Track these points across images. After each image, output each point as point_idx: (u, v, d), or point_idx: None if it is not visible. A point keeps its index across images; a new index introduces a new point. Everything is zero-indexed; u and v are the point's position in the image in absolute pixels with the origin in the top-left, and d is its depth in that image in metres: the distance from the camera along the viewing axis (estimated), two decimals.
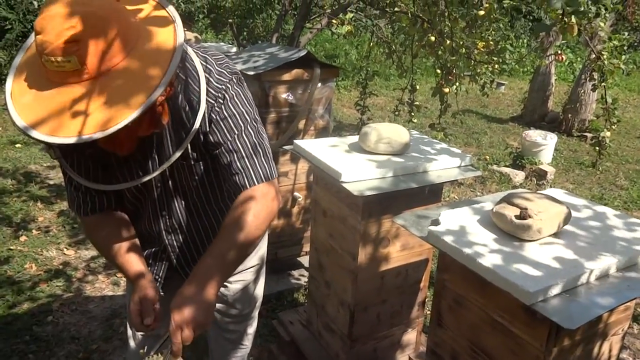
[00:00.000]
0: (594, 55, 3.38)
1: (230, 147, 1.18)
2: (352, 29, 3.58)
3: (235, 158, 1.18)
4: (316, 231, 2.13)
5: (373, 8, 4.09)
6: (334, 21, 3.42)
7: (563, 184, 5.14)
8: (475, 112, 8.20)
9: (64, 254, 3.20)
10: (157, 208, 1.29)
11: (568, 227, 1.37)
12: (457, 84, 3.71)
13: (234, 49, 3.54)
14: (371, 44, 5.19)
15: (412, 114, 3.85)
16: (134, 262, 1.21)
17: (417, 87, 3.86)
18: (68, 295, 2.79)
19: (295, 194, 2.76)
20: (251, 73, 2.42)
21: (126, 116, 0.87)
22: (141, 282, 1.17)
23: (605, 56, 3.35)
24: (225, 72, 1.18)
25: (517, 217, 1.26)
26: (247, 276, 1.56)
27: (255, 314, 1.69)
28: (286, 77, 2.51)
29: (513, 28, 10.58)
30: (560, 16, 1.57)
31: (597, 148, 3.36)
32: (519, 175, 5.07)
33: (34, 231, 3.43)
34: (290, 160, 2.67)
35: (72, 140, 0.87)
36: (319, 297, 2.18)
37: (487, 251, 1.22)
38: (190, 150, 1.19)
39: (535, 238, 1.27)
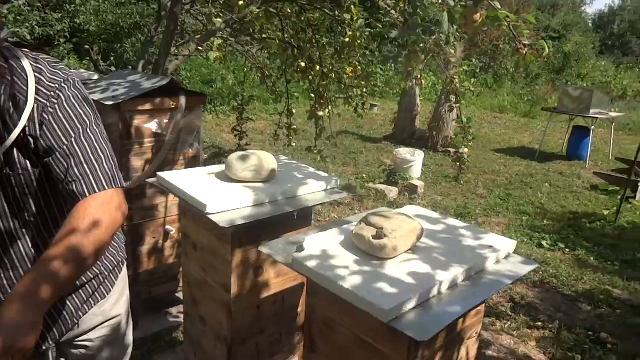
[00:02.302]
0: (449, 79, 3.73)
1: (67, 152, 1.07)
2: (222, 55, 3.55)
3: (73, 164, 1.07)
4: (188, 265, 2.04)
5: (244, 35, 4.11)
6: (199, 48, 3.36)
7: (432, 196, 5.54)
8: (351, 132, 8.59)
9: None
10: None
11: (423, 241, 1.45)
12: (330, 107, 3.86)
13: (96, 77, 3.32)
14: (245, 69, 5.21)
15: (291, 137, 3.90)
16: None
17: (294, 111, 3.93)
18: None
19: (167, 227, 2.63)
20: (109, 103, 2.28)
21: None
22: None
23: (457, 80, 3.71)
24: (59, 73, 1.09)
25: (373, 237, 1.31)
26: (110, 329, 1.41)
27: None
28: (149, 106, 2.40)
29: (381, 53, 11.37)
30: (406, 45, 1.70)
31: (458, 163, 3.70)
32: (393, 191, 5.37)
33: None
34: (160, 192, 2.55)
35: None
36: (195, 334, 2.08)
37: (347, 273, 1.25)
38: (17, 158, 1.06)
39: (392, 256, 1.33)
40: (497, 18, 1.49)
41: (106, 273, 1.35)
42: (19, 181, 1.09)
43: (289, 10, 3.75)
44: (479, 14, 1.49)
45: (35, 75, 1.05)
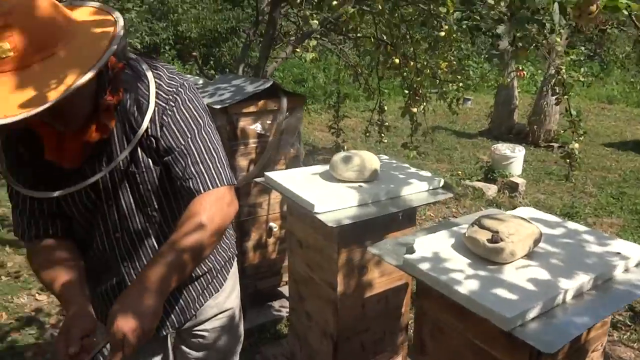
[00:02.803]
0: (553, 70, 3.49)
1: (184, 151, 1.15)
2: (317, 55, 3.62)
3: (189, 162, 1.16)
4: (293, 262, 2.11)
5: (336, 34, 4.15)
6: (297, 50, 3.45)
7: (534, 194, 5.24)
8: (444, 128, 8.35)
9: (36, 299, 3.09)
10: (110, 228, 1.23)
11: (541, 246, 1.38)
12: (424, 103, 3.78)
13: (201, 81, 3.53)
14: (339, 67, 5.26)
15: (382, 134, 3.89)
16: (71, 290, 1.11)
17: (386, 107, 3.91)
18: (42, 342, 2.67)
19: (271, 224, 2.73)
20: (218, 107, 2.41)
21: (50, 100, 0.89)
22: (73, 311, 1.07)
23: (563, 70, 3.46)
24: (176, 78, 1.18)
25: (489, 241, 1.26)
26: (224, 321, 1.50)
27: (237, 351, 1.63)
28: (253, 108, 2.51)
29: (474, 45, 10.91)
30: (512, 40, 1.61)
31: (568, 160, 3.45)
32: (491, 189, 5.14)
33: (3, 277, 3.30)
34: (263, 191, 2.65)
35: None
36: (301, 329, 2.15)
37: (462, 277, 1.22)
38: (141, 157, 1.16)
39: (509, 261, 1.27)
40: (616, 8, 1.36)
41: (218, 267, 1.43)
42: (142, 178, 1.19)
43: (381, 7, 3.72)
44: (595, 5, 1.38)
45: (155, 81, 1.14)
